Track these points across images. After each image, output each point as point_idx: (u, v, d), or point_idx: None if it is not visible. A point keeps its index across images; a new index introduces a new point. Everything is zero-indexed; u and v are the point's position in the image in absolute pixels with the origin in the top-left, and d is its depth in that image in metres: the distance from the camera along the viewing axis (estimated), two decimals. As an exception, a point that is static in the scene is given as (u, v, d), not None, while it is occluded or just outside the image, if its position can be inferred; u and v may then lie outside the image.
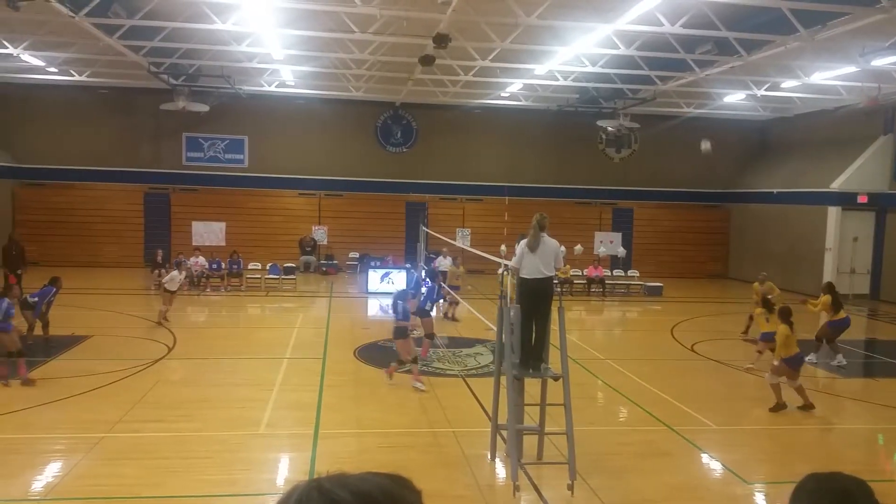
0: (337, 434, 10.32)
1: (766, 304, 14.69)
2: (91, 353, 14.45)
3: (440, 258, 22.76)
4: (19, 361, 11.69)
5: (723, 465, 9.67)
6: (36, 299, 14.62)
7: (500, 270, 14.26)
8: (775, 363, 12.23)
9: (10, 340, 12.08)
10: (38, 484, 8.22)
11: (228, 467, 8.90)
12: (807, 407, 11.95)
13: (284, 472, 9.12)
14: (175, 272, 18.65)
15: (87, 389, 11.89)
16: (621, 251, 29.34)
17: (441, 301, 18.90)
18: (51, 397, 11.38)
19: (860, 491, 1.91)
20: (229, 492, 8.19)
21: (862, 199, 26.39)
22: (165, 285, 18.20)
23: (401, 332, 12.90)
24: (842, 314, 15.57)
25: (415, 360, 12.83)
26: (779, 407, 11.86)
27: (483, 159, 31.42)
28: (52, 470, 8.66)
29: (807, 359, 15.49)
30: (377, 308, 22.72)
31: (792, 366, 11.99)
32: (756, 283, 18.75)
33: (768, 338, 14.09)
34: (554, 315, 9.27)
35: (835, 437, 11.81)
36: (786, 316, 12.37)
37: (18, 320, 13.59)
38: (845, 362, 15.51)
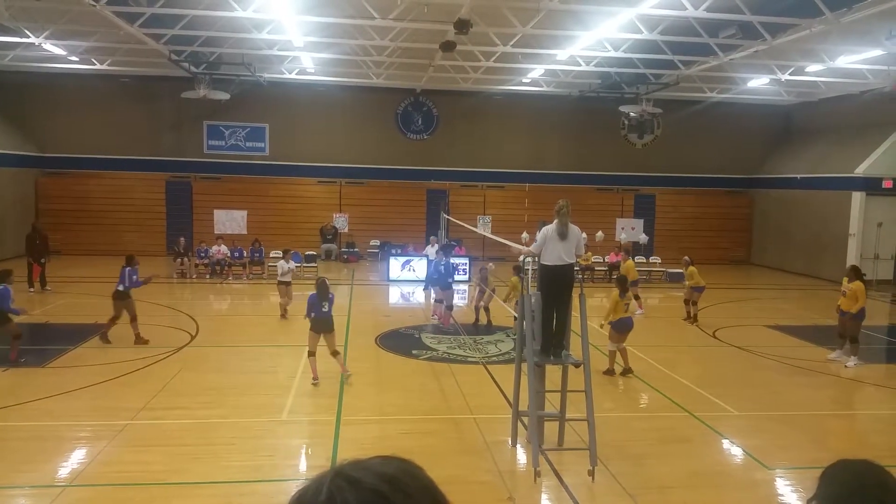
0: (359, 421, 10.38)
1: (621, 283, 13.69)
2: (115, 341, 14.57)
3: (428, 247, 22.49)
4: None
5: (743, 450, 9.63)
6: (122, 287, 14.39)
7: (521, 257, 14.19)
8: (605, 324, 13.20)
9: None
10: (64, 470, 8.33)
11: (252, 454, 8.97)
12: (625, 371, 13.10)
13: (307, 458, 9.17)
14: (285, 264, 18.14)
15: (111, 377, 12.03)
16: (643, 237, 29.15)
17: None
18: (75, 385, 11.52)
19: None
20: (253, 478, 8.25)
21: (887, 185, 26.04)
22: (280, 278, 17.84)
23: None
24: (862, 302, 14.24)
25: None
26: (609, 372, 13.08)
27: (504, 146, 31.28)
28: (78, 456, 8.77)
29: (831, 356, 14.70)
30: (398, 295, 22.78)
31: (617, 329, 12.99)
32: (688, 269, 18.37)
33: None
34: (575, 302, 9.26)
35: (857, 423, 11.73)
36: (622, 283, 13.50)
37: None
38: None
